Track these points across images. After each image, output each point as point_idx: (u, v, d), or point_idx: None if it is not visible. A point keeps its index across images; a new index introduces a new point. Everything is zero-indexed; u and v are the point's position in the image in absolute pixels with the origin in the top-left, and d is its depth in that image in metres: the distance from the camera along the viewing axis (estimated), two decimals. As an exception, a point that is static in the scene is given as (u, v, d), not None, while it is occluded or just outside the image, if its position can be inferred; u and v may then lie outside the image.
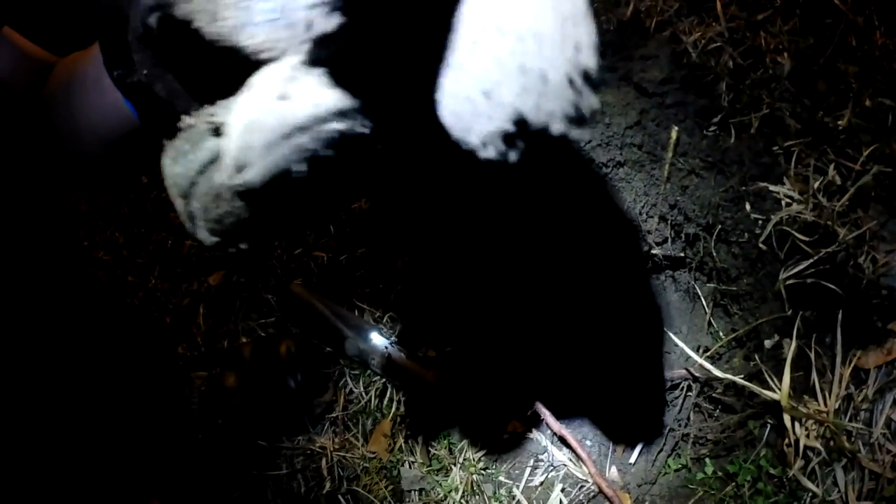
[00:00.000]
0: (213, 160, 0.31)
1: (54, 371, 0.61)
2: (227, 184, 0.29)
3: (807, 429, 0.61)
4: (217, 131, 0.31)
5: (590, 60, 0.24)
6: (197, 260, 1.07)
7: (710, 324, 0.75)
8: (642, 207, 0.71)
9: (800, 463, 0.62)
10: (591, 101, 0.25)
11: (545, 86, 0.24)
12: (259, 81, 0.28)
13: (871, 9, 0.85)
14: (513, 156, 0.26)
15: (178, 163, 0.32)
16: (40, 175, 0.62)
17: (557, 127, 0.25)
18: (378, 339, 0.84)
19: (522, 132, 0.25)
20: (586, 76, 0.24)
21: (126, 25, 0.38)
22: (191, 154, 0.32)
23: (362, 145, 0.29)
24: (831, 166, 0.73)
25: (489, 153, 0.26)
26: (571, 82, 0.24)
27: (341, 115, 0.27)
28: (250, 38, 0.28)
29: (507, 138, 0.25)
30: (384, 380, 0.84)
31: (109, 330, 0.68)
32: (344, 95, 0.27)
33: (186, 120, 0.32)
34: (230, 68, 0.30)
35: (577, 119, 0.25)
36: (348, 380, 0.86)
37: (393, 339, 0.84)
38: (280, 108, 0.27)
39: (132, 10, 0.37)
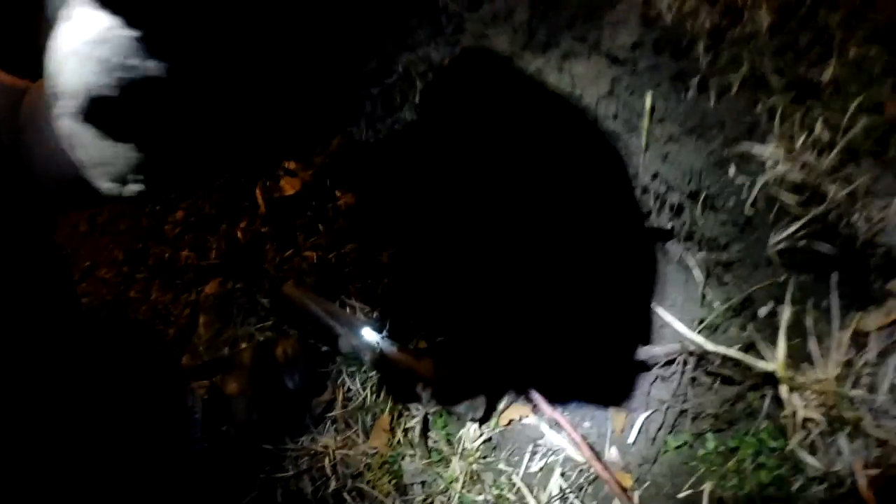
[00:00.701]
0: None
1: (60, 388, 0.62)
2: (70, 116, 0.31)
3: (805, 399, 0.59)
4: None
5: None
6: (194, 270, 1.08)
7: (703, 295, 0.72)
8: (623, 180, 0.68)
9: (800, 434, 0.60)
10: None
11: None
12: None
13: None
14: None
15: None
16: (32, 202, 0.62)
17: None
18: (370, 335, 0.83)
19: None
20: None
21: None
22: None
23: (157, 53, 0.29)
24: (818, 122, 0.70)
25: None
26: None
27: (122, 27, 0.28)
28: None
29: None
30: (379, 374, 0.83)
31: (115, 348, 0.69)
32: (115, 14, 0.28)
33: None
34: None
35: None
36: (345, 377, 0.86)
37: (384, 333, 0.83)
38: (69, 29, 0.28)
39: None
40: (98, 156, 0.33)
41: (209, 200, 1.15)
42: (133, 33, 0.28)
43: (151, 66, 0.29)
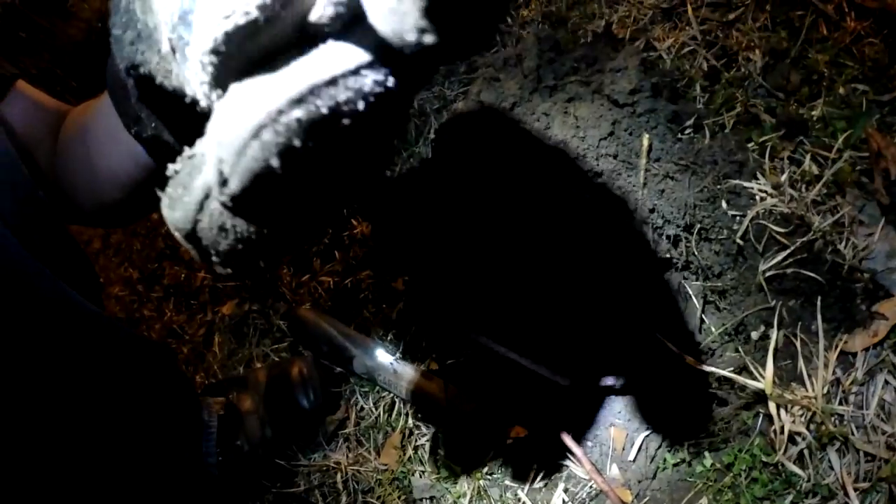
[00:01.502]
0: (208, 196, 0.31)
1: (77, 395, 0.64)
2: (218, 203, 0.29)
3: (792, 415, 0.63)
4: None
5: None
6: (210, 291, 1.13)
7: (701, 320, 0.77)
8: (623, 214, 0.74)
9: (791, 450, 0.64)
10: None
11: None
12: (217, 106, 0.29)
13: (842, -5, 0.88)
14: (438, 33, 0.25)
15: (175, 209, 0.32)
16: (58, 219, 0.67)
17: None
18: (384, 356, 0.88)
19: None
20: None
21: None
22: (185, 196, 0.32)
23: (350, 114, 0.27)
24: (807, 156, 0.76)
25: (423, 38, 0.25)
26: None
27: (296, 102, 0.26)
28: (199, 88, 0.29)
29: (427, 11, 0.24)
30: (392, 394, 0.88)
31: (132, 359, 0.72)
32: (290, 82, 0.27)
33: (172, 166, 0.33)
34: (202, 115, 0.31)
35: None
36: (358, 397, 0.90)
37: (398, 354, 0.88)
38: (236, 112, 0.27)
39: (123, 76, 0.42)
40: (228, 247, 0.33)
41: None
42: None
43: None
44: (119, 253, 1.35)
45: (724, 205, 0.72)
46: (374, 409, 0.88)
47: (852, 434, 0.63)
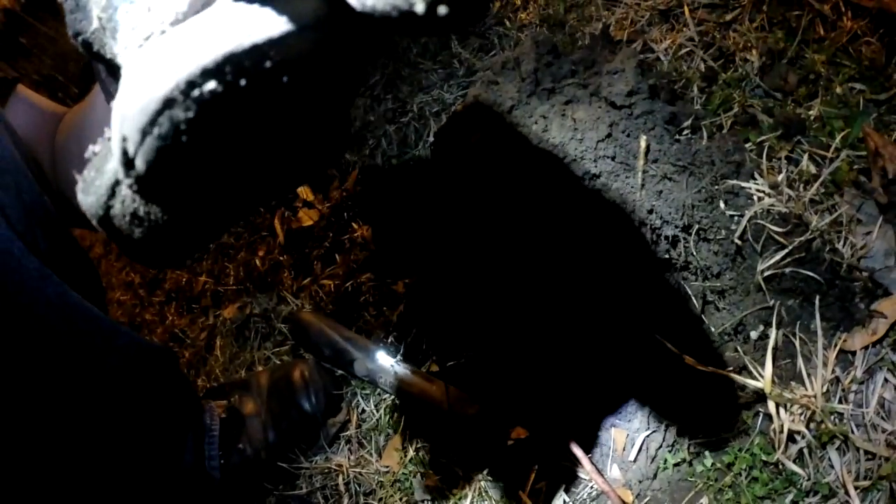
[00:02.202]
0: (119, 181, 0.29)
1: (73, 406, 0.65)
2: (124, 185, 0.27)
3: (792, 413, 0.64)
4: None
5: None
6: (212, 295, 1.14)
7: (701, 321, 0.78)
8: (622, 216, 0.75)
9: (791, 448, 0.65)
10: None
11: None
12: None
13: (838, -6, 0.89)
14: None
15: (88, 193, 0.31)
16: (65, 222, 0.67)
17: None
18: (385, 359, 0.89)
19: None
20: None
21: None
22: (97, 181, 0.30)
23: (272, 88, 0.24)
24: (805, 156, 0.77)
25: (418, 6, 0.22)
26: None
27: (210, 72, 0.23)
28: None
29: None
30: (393, 397, 0.89)
31: (131, 367, 0.73)
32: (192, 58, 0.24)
33: (91, 148, 0.31)
34: None
35: None
36: (360, 399, 0.91)
37: (399, 357, 0.89)
38: (142, 82, 0.24)
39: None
40: (141, 234, 0.31)
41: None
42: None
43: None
44: (121, 258, 1.36)
45: (721, 205, 0.73)
46: (375, 412, 0.89)
47: (852, 432, 0.64)
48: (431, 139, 0.97)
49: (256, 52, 0.23)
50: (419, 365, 0.88)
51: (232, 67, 0.23)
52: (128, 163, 0.25)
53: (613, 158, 0.73)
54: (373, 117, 1.06)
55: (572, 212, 0.78)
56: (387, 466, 0.84)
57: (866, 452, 0.63)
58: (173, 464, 0.81)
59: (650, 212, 0.74)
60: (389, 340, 0.92)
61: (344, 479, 0.85)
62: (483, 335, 0.87)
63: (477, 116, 0.77)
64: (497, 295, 0.86)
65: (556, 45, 0.81)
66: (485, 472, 0.79)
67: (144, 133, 0.24)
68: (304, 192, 1.09)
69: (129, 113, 0.24)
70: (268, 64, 0.23)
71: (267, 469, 0.89)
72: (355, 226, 1.03)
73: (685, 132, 0.78)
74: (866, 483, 0.63)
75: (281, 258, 1.09)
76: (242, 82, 0.23)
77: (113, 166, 0.28)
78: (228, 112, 0.24)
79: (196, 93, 0.23)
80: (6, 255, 0.54)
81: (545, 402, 0.80)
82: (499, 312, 0.86)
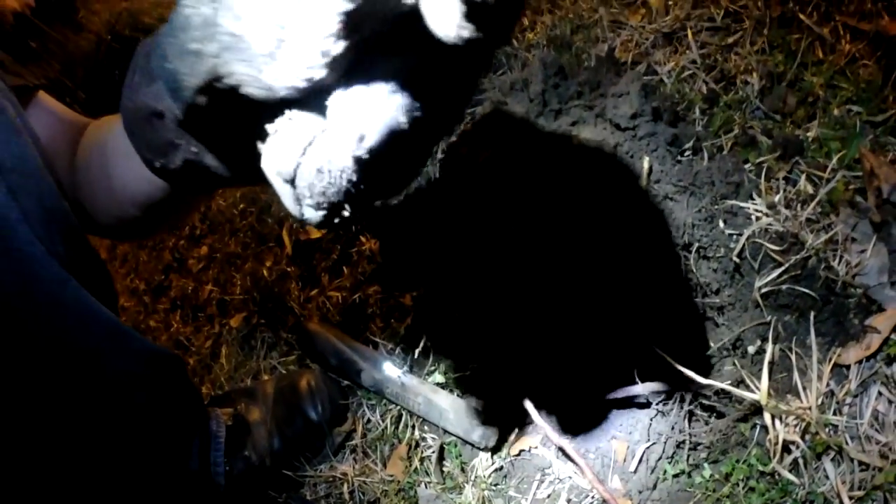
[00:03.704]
0: (311, 143, 0.39)
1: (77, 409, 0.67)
2: (348, 155, 0.38)
3: (787, 424, 0.68)
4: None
5: None
6: (218, 304, 1.19)
7: (701, 336, 0.82)
8: (623, 234, 0.80)
9: (786, 458, 0.69)
10: None
11: None
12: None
13: (836, 19, 0.94)
14: (475, 28, 0.33)
15: (280, 154, 0.40)
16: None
17: None
18: (391, 370, 0.93)
19: (472, 7, 0.32)
20: None
21: (152, 119, 0.48)
22: (287, 144, 0.40)
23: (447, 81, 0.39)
24: (802, 176, 0.81)
25: (464, 34, 0.33)
26: None
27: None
28: (294, 85, 0.36)
29: (467, 16, 0.32)
30: (399, 407, 0.93)
31: (142, 372, 0.74)
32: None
33: (270, 126, 0.41)
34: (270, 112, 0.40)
35: None
36: (366, 409, 0.95)
37: (405, 368, 0.93)
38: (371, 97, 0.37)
39: (164, 105, 0.46)
40: (323, 188, 0.40)
41: (235, 237, 1.27)
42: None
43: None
44: (125, 264, 1.41)
45: (721, 224, 0.78)
46: (381, 422, 0.93)
47: (847, 443, 0.68)
48: (440, 156, 1.02)
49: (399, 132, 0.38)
50: (425, 376, 0.92)
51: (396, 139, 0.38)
52: (361, 137, 0.38)
53: (617, 179, 0.77)
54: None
55: (577, 229, 0.83)
56: (391, 475, 0.88)
57: (860, 463, 0.67)
58: (179, 469, 0.83)
59: (652, 230, 0.79)
60: (396, 352, 0.97)
61: (348, 488, 0.89)
62: (488, 347, 0.91)
63: (485, 135, 0.82)
64: (502, 308, 0.90)
65: (563, 66, 0.87)
66: (489, 482, 0.82)
67: (380, 113, 0.38)
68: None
69: (364, 100, 0.38)
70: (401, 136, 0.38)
71: (272, 476, 0.92)
72: (363, 239, 1.08)
73: (687, 153, 0.83)
74: (860, 493, 0.66)
75: (288, 269, 1.14)
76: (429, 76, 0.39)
77: (303, 133, 0.40)
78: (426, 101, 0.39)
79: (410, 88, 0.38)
80: (28, 258, 0.57)
81: (548, 412, 0.84)
82: (503, 325, 0.90)
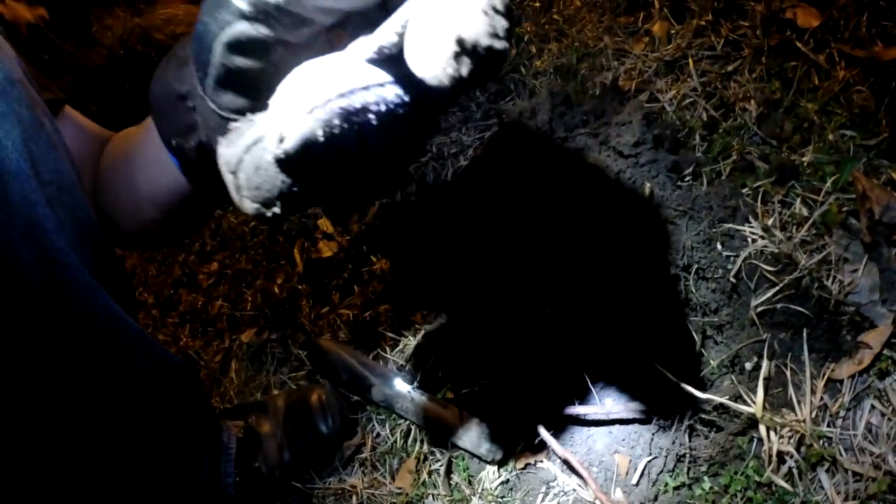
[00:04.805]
0: (256, 142, 0.46)
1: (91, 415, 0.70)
2: (270, 154, 0.44)
3: (782, 436, 0.73)
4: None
5: (497, 1, 0.39)
6: (228, 319, 1.24)
7: (700, 354, 0.88)
8: (626, 257, 0.85)
9: (782, 469, 0.74)
10: (502, 23, 0.39)
11: (471, 18, 0.38)
12: (299, 71, 0.44)
13: (831, 46, 1.01)
14: (464, 70, 0.39)
15: (229, 147, 0.48)
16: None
17: (485, 41, 0.38)
18: (401, 385, 0.98)
19: (464, 50, 0.38)
20: (495, 9, 0.39)
21: (176, 101, 0.54)
22: (238, 140, 0.47)
23: (373, 114, 0.42)
24: (798, 200, 0.87)
25: (449, 74, 0.38)
26: (486, 13, 0.38)
27: (340, 95, 0.41)
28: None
29: (456, 57, 0.38)
30: (408, 421, 0.98)
31: (162, 381, 0.78)
32: (370, 72, 0.42)
33: (234, 123, 0.48)
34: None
35: (495, 35, 0.39)
36: (375, 424, 1.00)
37: (415, 384, 0.98)
38: (298, 96, 0.42)
39: (188, 87, 0.53)
40: (258, 183, 0.47)
41: (246, 254, 1.33)
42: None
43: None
44: (134, 278, 1.46)
45: (719, 247, 0.84)
46: (390, 436, 0.98)
47: (840, 455, 0.73)
48: (450, 179, 1.08)
49: (367, 88, 0.42)
50: (435, 392, 0.97)
51: (352, 95, 0.42)
52: (280, 139, 0.43)
53: (620, 204, 0.84)
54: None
55: (582, 251, 0.89)
56: (400, 488, 0.93)
57: (854, 473, 0.72)
58: (190, 477, 0.87)
59: (653, 253, 0.85)
60: (406, 368, 1.02)
61: (357, 500, 0.93)
62: (496, 364, 0.96)
63: (493, 160, 0.88)
64: (510, 326, 0.96)
65: (569, 95, 0.93)
66: (496, 494, 0.87)
67: (296, 123, 0.42)
68: (324, 224, 1.20)
69: (287, 109, 0.43)
70: (373, 98, 0.42)
71: (281, 488, 0.97)
72: (374, 259, 1.13)
73: (687, 179, 0.89)
74: (855, 503, 0.71)
75: (299, 287, 1.19)
76: (357, 105, 0.42)
77: (253, 133, 0.47)
78: (346, 122, 0.42)
79: (330, 106, 0.41)
80: (63, 267, 0.61)
81: (553, 427, 0.89)
82: (511, 343, 0.95)
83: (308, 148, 0.42)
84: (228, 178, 0.49)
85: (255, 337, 1.19)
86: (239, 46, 0.46)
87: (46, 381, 0.65)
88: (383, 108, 0.42)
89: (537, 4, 1.30)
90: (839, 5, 1.02)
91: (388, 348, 1.05)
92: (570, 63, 1.11)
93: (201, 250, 1.41)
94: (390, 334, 1.06)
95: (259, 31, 0.45)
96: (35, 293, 0.59)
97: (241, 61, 0.47)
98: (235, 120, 0.50)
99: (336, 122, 0.41)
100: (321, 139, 0.41)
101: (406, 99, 0.43)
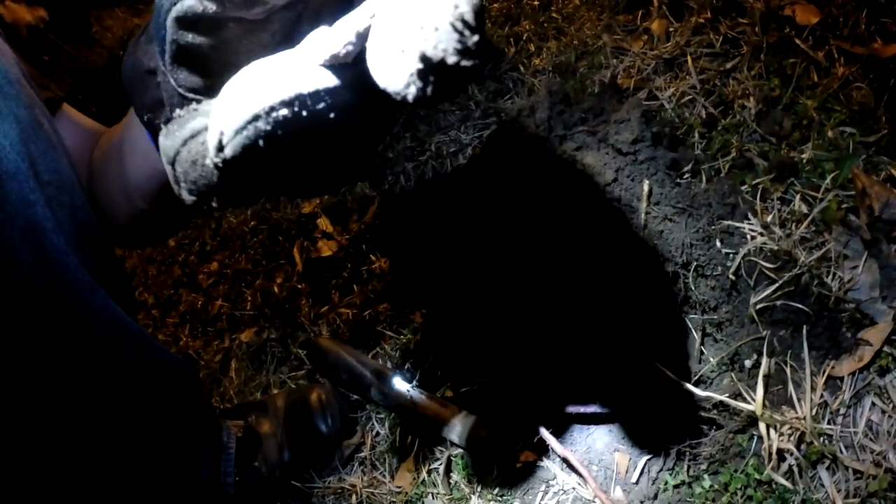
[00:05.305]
0: (193, 136, 0.45)
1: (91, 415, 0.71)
2: (209, 160, 0.43)
3: (782, 434, 0.73)
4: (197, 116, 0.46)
5: (467, 13, 0.35)
6: (228, 319, 1.25)
7: (700, 351, 0.88)
8: (625, 254, 0.86)
9: (783, 467, 0.74)
10: (472, 38, 0.36)
11: (437, 33, 0.35)
12: (240, 73, 0.42)
13: (830, 43, 1.01)
14: (429, 89, 0.36)
15: (168, 138, 0.47)
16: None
17: (452, 59, 0.35)
18: (400, 384, 0.98)
19: (429, 67, 0.35)
20: (465, 23, 0.35)
21: (145, 76, 0.54)
22: (177, 132, 0.46)
23: (321, 123, 0.40)
24: (797, 197, 0.88)
25: (412, 91, 0.35)
26: (455, 27, 0.35)
27: (285, 103, 0.39)
28: None
29: (420, 74, 0.35)
30: (408, 420, 0.98)
31: (162, 380, 0.78)
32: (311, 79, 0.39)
33: (178, 111, 0.48)
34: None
35: (465, 51, 0.36)
36: (375, 423, 1.01)
37: (414, 383, 0.99)
38: (240, 100, 0.40)
39: (156, 62, 0.52)
40: (195, 178, 0.47)
41: (246, 254, 1.34)
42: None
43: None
44: (134, 278, 1.47)
45: (718, 244, 0.84)
46: (389, 435, 0.98)
47: (841, 452, 0.73)
48: (449, 177, 1.08)
49: (316, 96, 0.39)
50: (434, 391, 0.98)
51: (299, 103, 0.40)
52: (219, 146, 0.41)
53: (619, 201, 0.84)
54: (392, 154, 1.18)
55: (581, 250, 0.89)
56: (399, 487, 0.93)
57: (855, 471, 0.72)
58: (190, 476, 0.88)
59: (652, 250, 0.85)
60: (406, 367, 1.02)
61: (357, 499, 0.94)
62: (495, 363, 0.97)
63: (493, 160, 0.89)
64: (509, 325, 0.96)
65: (568, 93, 0.94)
66: (495, 492, 0.87)
67: (237, 132, 0.40)
68: (324, 223, 1.20)
69: (228, 116, 0.40)
70: (321, 105, 0.40)
71: (281, 487, 0.97)
72: (373, 258, 1.14)
73: (685, 176, 0.90)
74: (856, 501, 0.71)
75: (299, 286, 1.20)
76: (304, 113, 0.40)
77: (191, 127, 0.46)
78: (291, 131, 0.40)
79: (274, 114, 0.39)
80: (62, 267, 0.61)
81: (553, 426, 0.89)
82: (510, 342, 0.96)
83: (248, 155, 0.40)
84: (168, 169, 0.48)
85: (254, 336, 1.19)
86: (187, 22, 0.45)
87: (46, 382, 0.65)
88: (332, 115, 0.40)
89: (536, 3, 1.31)
90: (838, 2, 1.03)
91: (387, 347, 1.06)
92: (569, 61, 1.11)
93: (201, 250, 1.41)
94: (390, 333, 1.07)
95: (206, 5, 0.44)
96: (34, 293, 0.59)
97: (191, 37, 0.46)
98: (197, 100, 0.49)
99: (280, 132, 0.39)
100: (262, 147, 0.40)
101: (359, 105, 0.41)
